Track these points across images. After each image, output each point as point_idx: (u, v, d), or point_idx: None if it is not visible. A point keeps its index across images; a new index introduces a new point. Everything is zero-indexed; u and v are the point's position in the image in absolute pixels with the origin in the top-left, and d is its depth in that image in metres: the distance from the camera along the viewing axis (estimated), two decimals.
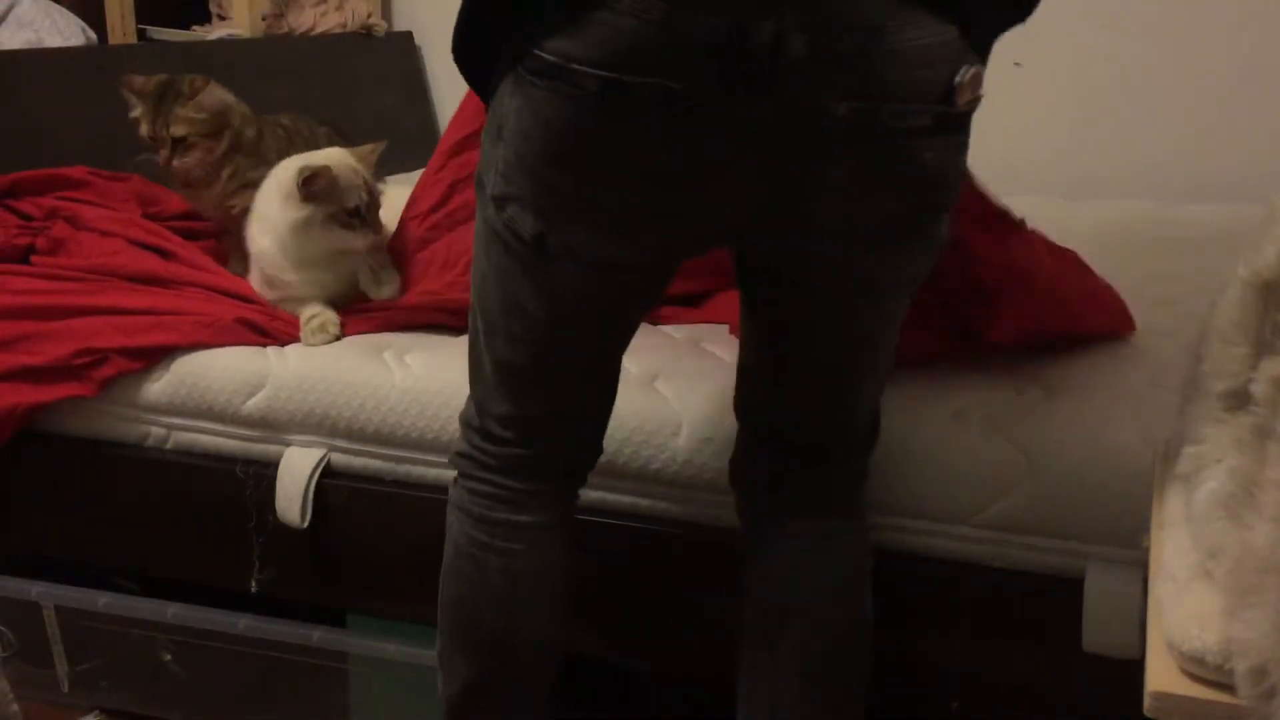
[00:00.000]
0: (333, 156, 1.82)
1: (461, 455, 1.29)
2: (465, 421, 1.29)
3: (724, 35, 0.97)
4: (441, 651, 1.33)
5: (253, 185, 1.89)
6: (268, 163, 1.91)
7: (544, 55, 1.02)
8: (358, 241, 1.78)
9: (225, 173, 1.95)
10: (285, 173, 1.79)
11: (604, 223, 1.09)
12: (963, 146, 1.08)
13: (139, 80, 1.93)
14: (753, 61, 0.98)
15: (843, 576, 1.29)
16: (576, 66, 1.01)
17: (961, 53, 1.03)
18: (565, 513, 1.31)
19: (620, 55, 1.00)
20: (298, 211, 1.75)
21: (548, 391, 1.24)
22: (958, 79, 1.02)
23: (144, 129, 1.92)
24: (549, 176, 1.07)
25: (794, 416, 1.26)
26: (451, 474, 1.60)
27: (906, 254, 1.13)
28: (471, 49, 1.13)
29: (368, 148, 1.87)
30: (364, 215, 1.78)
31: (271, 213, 1.79)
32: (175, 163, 1.91)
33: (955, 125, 1.06)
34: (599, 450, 1.33)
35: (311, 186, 1.73)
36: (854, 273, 1.12)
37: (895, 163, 1.05)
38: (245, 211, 1.90)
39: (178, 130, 1.90)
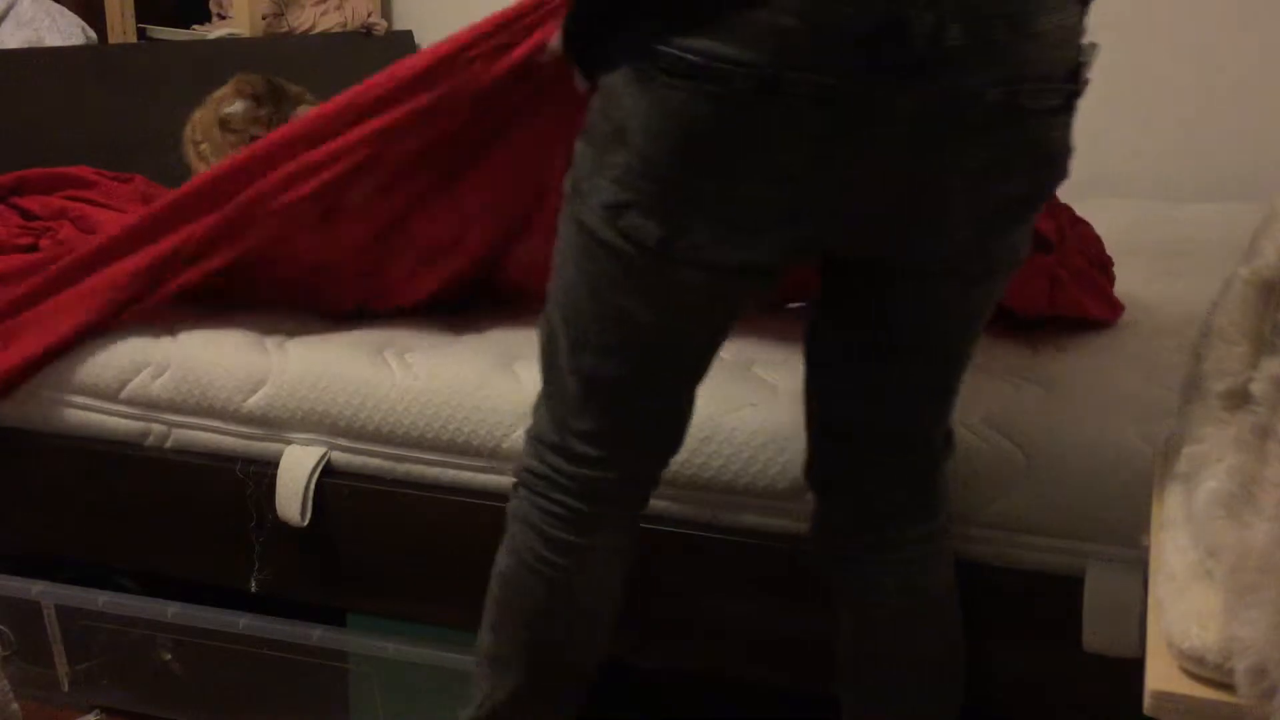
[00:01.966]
0: None
1: (532, 472, 1.25)
2: (537, 438, 1.24)
3: (885, 27, 0.96)
4: (493, 655, 1.31)
5: None
6: None
7: (685, 55, 0.99)
8: None
9: None
10: None
11: (735, 225, 1.06)
12: (1071, 125, 1.09)
13: (249, 79, 2.00)
14: (911, 52, 0.97)
15: (947, 581, 1.29)
16: (724, 65, 0.98)
17: (1083, 32, 1.05)
18: (635, 529, 1.29)
19: (777, 52, 0.97)
20: None
21: (640, 404, 1.20)
22: (1082, 58, 1.04)
23: (256, 128, 1.97)
24: (681, 179, 1.03)
25: (895, 418, 1.23)
26: (451, 474, 1.61)
27: (1021, 234, 1.13)
28: (586, 35, 1.09)
29: None
30: None
31: None
32: None
33: (1074, 104, 1.07)
34: (668, 462, 1.30)
35: None
36: (974, 256, 1.12)
37: (1029, 143, 1.05)
38: None
39: None
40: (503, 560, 1.29)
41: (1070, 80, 1.05)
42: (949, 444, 1.28)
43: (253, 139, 1.95)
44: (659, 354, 1.17)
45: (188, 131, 2.03)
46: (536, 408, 1.26)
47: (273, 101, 2.00)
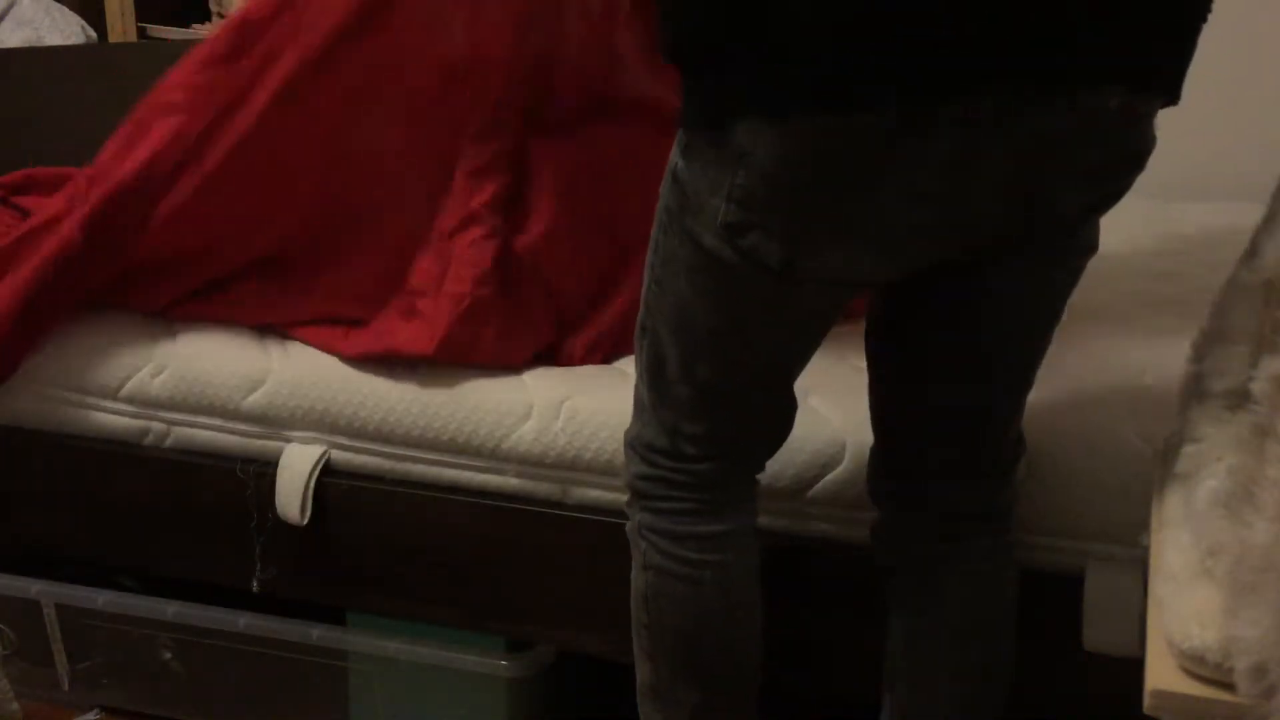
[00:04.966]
0: None
1: (646, 478, 1.25)
2: (646, 445, 1.24)
3: (1032, 46, 0.94)
4: (658, 686, 1.29)
5: None
6: None
7: (819, 84, 0.95)
8: None
9: None
10: None
11: (864, 245, 1.05)
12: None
13: None
14: (1052, 69, 0.96)
15: (1012, 594, 1.28)
16: (868, 94, 0.95)
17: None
18: (755, 509, 1.29)
19: (926, 75, 0.94)
20: None
21: (752, 405, 1.22)
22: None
23: None
24: (809, 204, 1.02)
25: (971, 427, 1.23)
26: (451, 474, 1.61)
27: (1097, 223, 1.14)
28: (705, 52, 1.02)
29: None
30: None
31: None
32: None
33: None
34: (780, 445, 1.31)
35: None
36: (1063, 241, 1.12)
37: (1134, 143, 1.06)
38: None
39: None
40: (639, 581, 1.27)
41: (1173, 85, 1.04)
42: (1017, 452, 1.28)
43: None
44: (772, 360, 1.18)
45: None
46: (639, 416, 1.26)
47: None
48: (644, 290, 1.20)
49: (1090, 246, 1.15)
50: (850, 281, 1.11)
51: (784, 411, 1.27)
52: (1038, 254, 1.11)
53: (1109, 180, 1.07)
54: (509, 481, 1.59)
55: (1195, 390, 0.98)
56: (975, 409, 1.22)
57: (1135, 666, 0.87)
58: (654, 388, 1.22)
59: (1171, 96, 1.05)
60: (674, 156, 1.10)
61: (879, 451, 1.29)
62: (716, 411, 1.21)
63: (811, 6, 0.93)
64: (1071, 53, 0.96)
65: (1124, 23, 0.96)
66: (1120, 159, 1.06)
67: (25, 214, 2.03)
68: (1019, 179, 1.02)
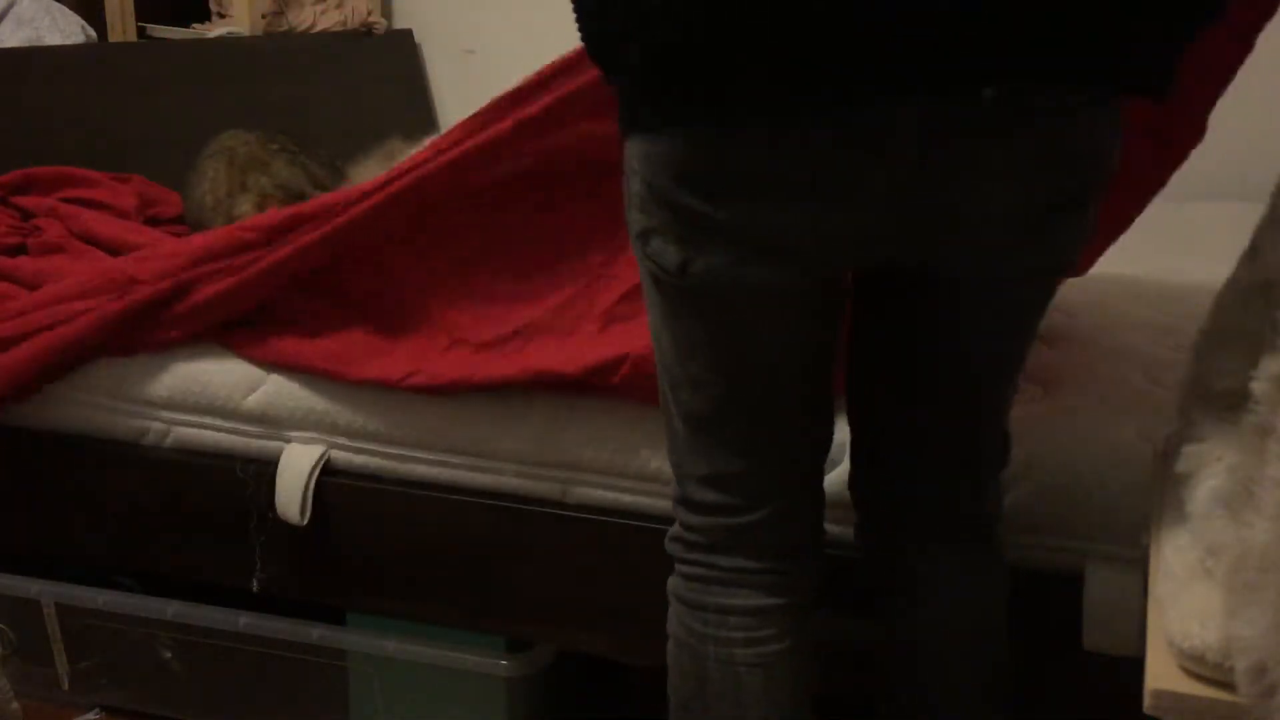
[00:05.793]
0: None
1: (673, 539, 1.21)
2: (673, 500, 1.21)
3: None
4: None
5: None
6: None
7: (676, 91, 0.97)
8: None
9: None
10: None
11: (750, 248, 1.03)
12: (1103, 122, 1.05)
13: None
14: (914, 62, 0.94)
15: (1000, 600, 1.25)
16: (735, 97, 0.95)
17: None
18: (792, 600, 1.18)
19: (796, 79, 0.93)
20: None
21: (744, 439, 1.15)
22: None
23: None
24: (686, 206, 1.02)
25: (942, 432, 1.19)
26: (451, 474, 1.61)
27: (1066, 236, 1.09)
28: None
29: None
30: None
31: None
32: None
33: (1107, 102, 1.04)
34: (820, 514, 1.22)
35: None
36: (1005, 259, 1.07)
37: (1047, 144, 1.01)
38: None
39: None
40: (668, 653, 1.22)
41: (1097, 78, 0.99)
42: (1002, 456, 1.24)
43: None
44: (738, 379, 1.12)
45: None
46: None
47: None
48: None
49: (1061, 265, 1.11)
50: (750, 288, 1.06)
51: (789, 453, 1.18)
52: (998, 263, 1.07)
53: (1042, 179, 1.02)
54: (509, 481, 1.58)
55: (1195, 390, 0.98)
56: (940, 415, 1.18)
57: (1135, 666, 0.87)
58: (666, 432, 1.19)
59: (1117, 89, 1.00)
60: None
61: (854, 453, 1.27)
62: (711, 446, 1.15)
63: (680, 14, 0.93)
64: (980, 50, 0.93)
65: (1041, 15, 0.93)
66: (1056, 156, 1.01)
67: (25, 214, 2.03)
68: (921, 181, 0.98)
